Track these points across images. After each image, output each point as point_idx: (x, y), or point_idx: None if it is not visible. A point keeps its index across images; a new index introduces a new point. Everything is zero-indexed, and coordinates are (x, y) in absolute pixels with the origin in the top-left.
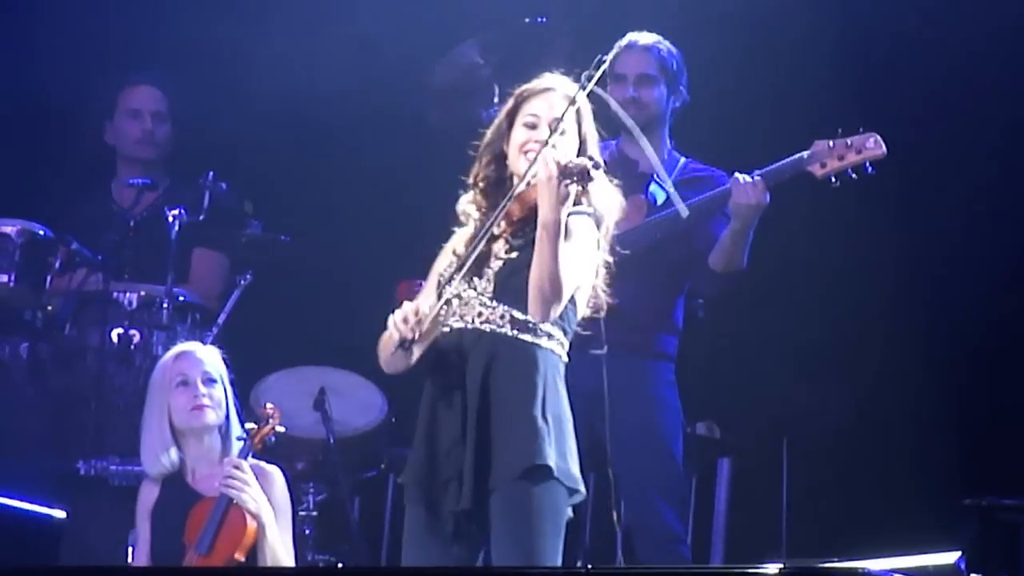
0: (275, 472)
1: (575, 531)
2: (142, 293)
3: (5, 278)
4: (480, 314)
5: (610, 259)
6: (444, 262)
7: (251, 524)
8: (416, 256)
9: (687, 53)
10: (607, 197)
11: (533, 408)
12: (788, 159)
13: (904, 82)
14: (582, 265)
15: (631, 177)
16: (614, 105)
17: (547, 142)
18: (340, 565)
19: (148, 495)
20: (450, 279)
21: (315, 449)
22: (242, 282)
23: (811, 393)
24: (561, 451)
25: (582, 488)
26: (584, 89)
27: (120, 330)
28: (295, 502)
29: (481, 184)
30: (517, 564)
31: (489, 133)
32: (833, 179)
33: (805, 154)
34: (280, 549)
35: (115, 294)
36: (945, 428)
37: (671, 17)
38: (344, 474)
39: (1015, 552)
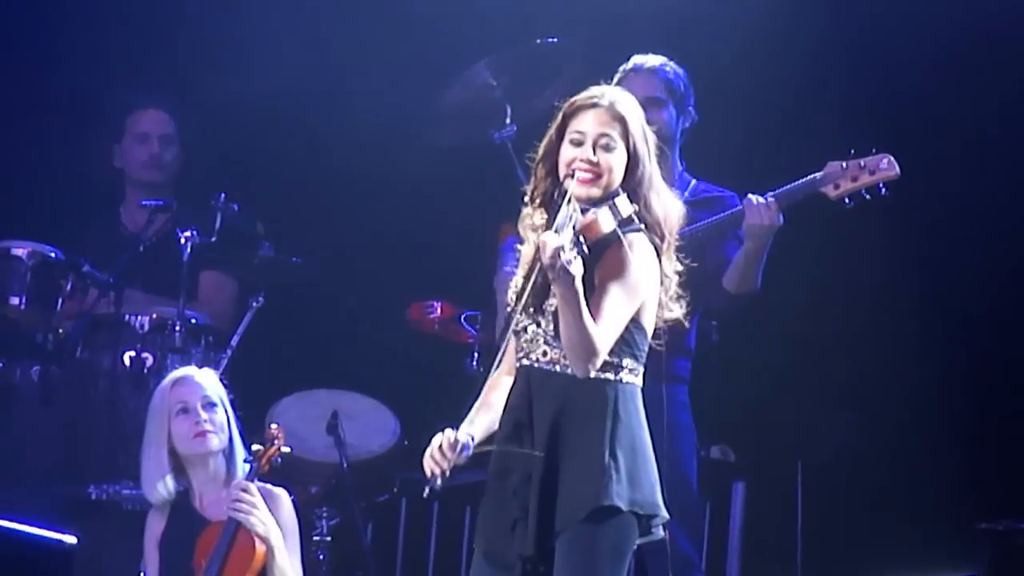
0: (282, 494)
1: None
2: (154, 316)
3: (16, 300)
4: (545, 353)
5: (679, 267)
6: (515, 283)
7: (260, 547)
8: (428, 278)
9: (698, 73)
10: (665, 205)
11: (601, 447)
12: (801, 180)
13: (919, 103)
14: (633, 294)
15: None
16: None
17: (553, 227)
18: None
19: (156, 523)
20: (511, 312)
21: (328, 473)
22: (254, 304)
23: (826, 416)
24: (634, 482)
25: (662, 512)
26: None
27: (132, 353)
28: (308, 527)
29: (538, 199)
30: None
31: (541, 147)
32: (847, 200)
33: (818, 175)
34: (289, 572)
35: (127, 316)
36: (961, 452)
37: (682, 37)
38: (357, 498)
39: None
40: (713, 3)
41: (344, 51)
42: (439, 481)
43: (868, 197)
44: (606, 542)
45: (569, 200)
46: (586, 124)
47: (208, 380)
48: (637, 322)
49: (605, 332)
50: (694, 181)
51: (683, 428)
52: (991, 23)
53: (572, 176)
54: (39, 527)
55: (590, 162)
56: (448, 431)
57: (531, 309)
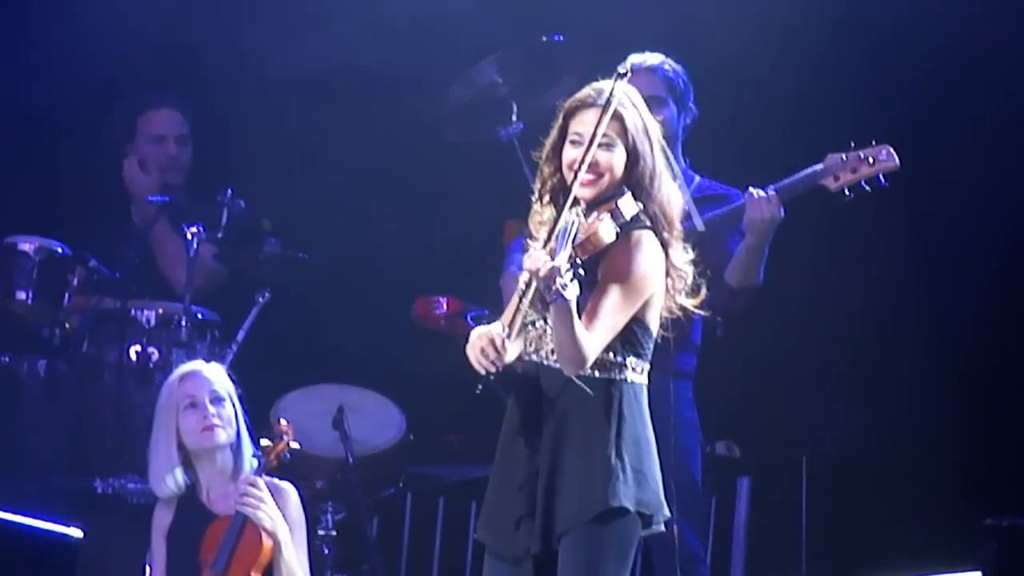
0: (289, 489)
1: None
2: (160, 311)
3: (23, 295)
4: (553, 351)
5: (691, 255)
6: (523, 277)
7: (267, 542)
8: (434, 273)
9: (701, 68)
10: (669, 197)
11: (607, 447)
12: (802, 173)
13: (918, 94)
14: (634, 295)
15: None
16: None
17: (553, 234)
18: None
19: (163, 516)
20: (519, 303)
21: (333, 468)
22: (260, 300)
23: (830, 412)
24: (640, 481)
25: (666, 510)
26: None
27: (138, 348)
28: (313, 521)
29: (546, 197)
30: None
31: (547, 146)
32: (847, 192)
33: (818, 167)
34: (296, 566)
35: (133, 312)
36: (966, 447)
37: (685, 32)
38: (363, 493)
39: None
40: None
41: (350, 46)
42: (491, 377)
43: (868, 188)
44: (611, 541)
45: (572, 205)
46: (584, 124)
47: (216, 375)
48: (641, 321)
49: (596, 339)
50: (698, 178)
51: (687, 424)
52: (995, 11)
53: (575, 178)
54: (45, 520)
55: (592, 165)
56: (487, 327)
57: (539, 305)
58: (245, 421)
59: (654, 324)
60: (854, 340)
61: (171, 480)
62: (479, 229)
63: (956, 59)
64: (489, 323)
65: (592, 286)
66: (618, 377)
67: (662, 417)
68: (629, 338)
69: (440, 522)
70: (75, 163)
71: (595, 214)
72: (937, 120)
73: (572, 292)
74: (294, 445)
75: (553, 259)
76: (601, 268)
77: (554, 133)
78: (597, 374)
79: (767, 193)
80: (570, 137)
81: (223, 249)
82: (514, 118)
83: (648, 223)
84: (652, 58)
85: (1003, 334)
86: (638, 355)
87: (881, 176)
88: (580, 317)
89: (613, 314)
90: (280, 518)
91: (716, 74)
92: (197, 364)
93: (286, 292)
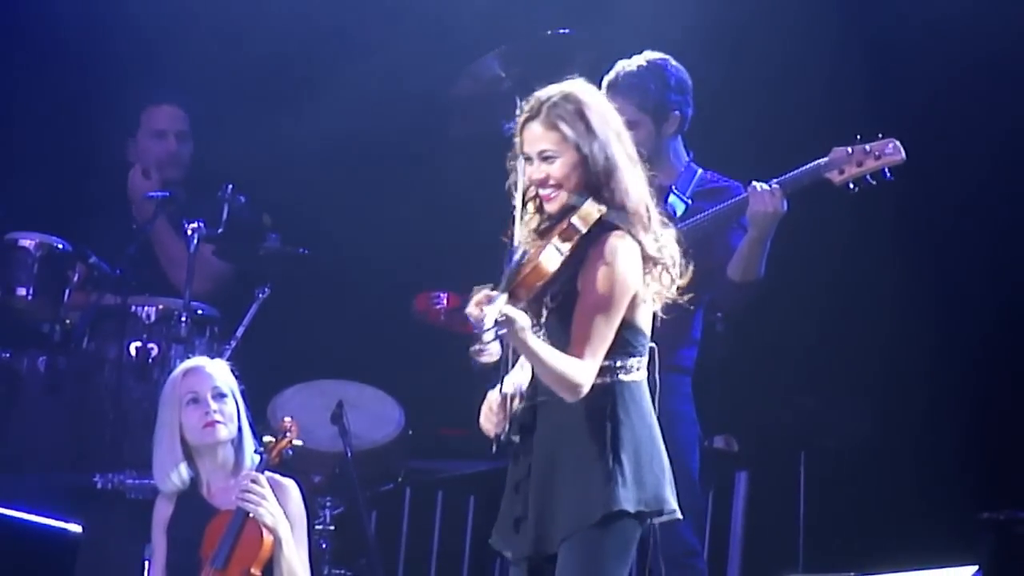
0: (291, 485)
1: None
2: (160, 307)
3: (23, 291)
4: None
5: (665, 241)
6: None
7: (268, 538)
8: (433, 268)
9: (704, 62)
10: (635, 186)
11: (604, 452)
12: (806, 166)
13: (924, 87)
14: (615, 308)
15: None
16: None
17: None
18: None
19: (164, 510)
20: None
21: (332, 463)
22: (260, 295)
23: (828, 407)
24: (640, 481)
25: (669, 505)
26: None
27: (138, 343)
28: (312, 516)
29: (532, 207)
30: None
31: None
32: (852, 186)
33: (823, 161)
34: (296, 563)
35: (133, 308)
36: (963, 441)
37: (688, 27)
38: (361, 488)
39: None
40: None
41: (350, 40)
42: (502, 437)
43: (874, 183)
44: (610, 545)
45: (517, 244)
46: (527, 143)
47: (219, 371)
48: (629, 323)
49: (588, 364)
50: (700, 171)
51: (686, 418)
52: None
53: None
54: (45, 516)
55: (541, 181)
56: (492, 392)
57: (535, 315)
58: (247, 417)
59: (643, 320)
60: (853, 335)
61: (175, 475)
62: (482, 224)
63: (966, 53)
64: None
65: (574, 293)
66: (611, 380)
67: (661, 411)
68: (618, 342)
69: (439, 516)
70: (76, 159)
71: (543, 241)
72: (948, 115)
73: (508, 339)
74: (297, 442)
75: (492, 301)
76: (580, 277)
77: (517, 149)
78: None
79: (771, 186)
80: (524, 156)
81: (223, 245)
82: (517, 112)
83: (616, 222)
84: (625, 74)
85: (1000, 328)
86: (629, 355)
87: (887, 170)
88: (571, 329)
89: (599, 333)
90: (281, 514)
91: (722, 68)
92: (200, 360)
93: (286, 287)
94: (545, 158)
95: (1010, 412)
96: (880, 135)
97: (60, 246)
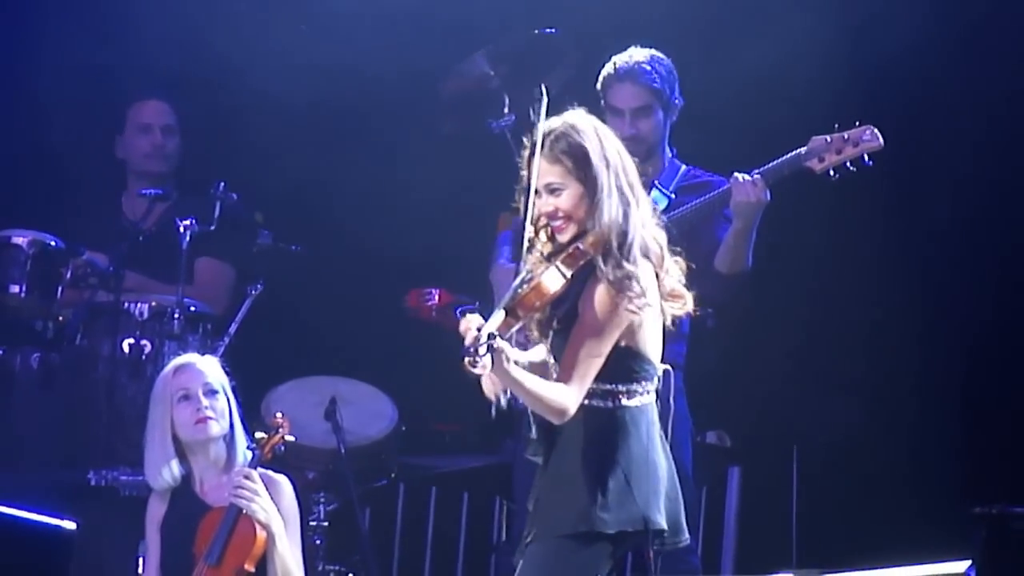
0: (284, 481)
1: None
2: (153, 303)
3: (16, 288)
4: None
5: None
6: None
7: (261, 534)
8: (426, 265)
9: (685, 55)
10: (606, 217)
11: (592, 472)
12: (786, 156)
13: (901, 75)
14: (606, 335)
15: None
16: None
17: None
18: (350, 575)
19: (157, 507)
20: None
21: (326, 459)
22: (253, 292)
23: (821, 402)
24: (624, 502)
25: (657, 525)
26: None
27: (131, 340)
28: (305, 512)
29: (540, 229)
30: None
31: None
32: (832, 173)
33: (803, 150)
34: (290, 559)
35: (126, 304)
36: (956, 436)
37: (673, 21)
38: (355, 484)
39: None
40: None
41: (340, 38)
42: (502, 401)
43: (854, 170)
44: (577, 559)
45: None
46: (535, 176)
47: (210, 367)
48: (629, 349)
49: (573, 390)
50: (684, 167)
51: (677, 414)
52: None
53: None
54: (39, 513)
55: (550, 214)
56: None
57: (543, 333)
58: (239, 413)
59: (645, 344)
60: (845, 330)
61: (167, 472)
62: (472, 221)
63: (942, 47)
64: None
65: (575, 320)
66: (613, 404)
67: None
68: (620, 368)
69: (432, 512)
70: (68, 157)
71: (547, 264)
72: (922, 99)
73: (490, 363)
74: (289, 438)
75: (487, 320)
76: (580, 302)
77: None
78: (589, 402)
79: (752, 177)
80: (534, 188)
81: (215, 242)
82: (506, 110)
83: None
84: (636, 63)
85: (994, 323)
86: (632, 380)
87: (866, 156)
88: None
89: (588, 358)
90: (274, 511)
91: (702, 63)
92: (191, 357)
93: (279, 284)
94: (552, 191)
95: (1002, 406)
96: (857, 123)
97: (53, 243)
